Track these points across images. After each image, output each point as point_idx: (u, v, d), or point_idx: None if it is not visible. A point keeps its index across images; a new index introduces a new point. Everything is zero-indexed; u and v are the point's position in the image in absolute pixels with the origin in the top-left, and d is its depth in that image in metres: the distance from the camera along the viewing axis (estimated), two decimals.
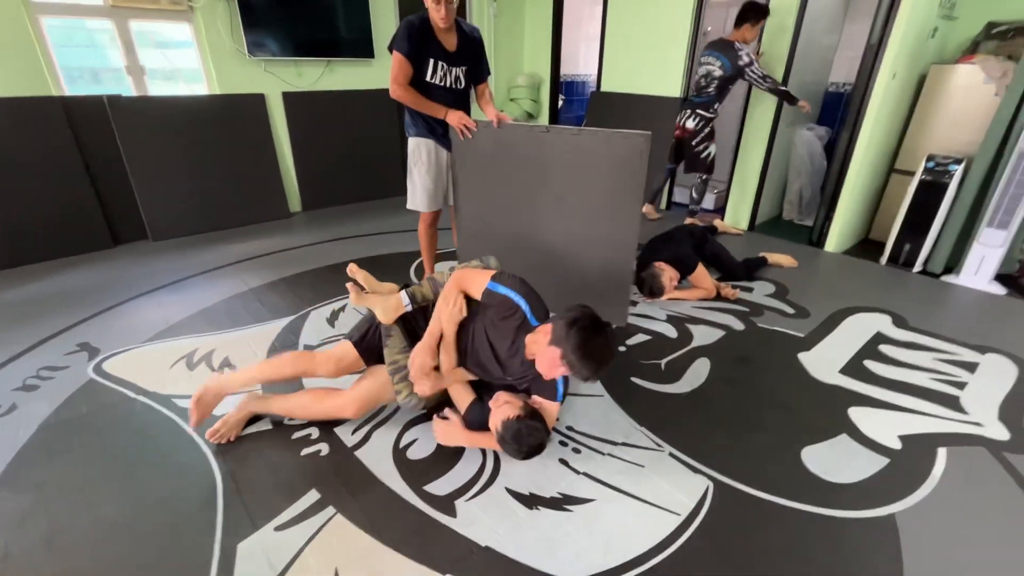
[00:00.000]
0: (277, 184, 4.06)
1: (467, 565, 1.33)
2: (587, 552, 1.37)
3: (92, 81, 3.42)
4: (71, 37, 3.30)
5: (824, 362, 2.25)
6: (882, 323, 2.59)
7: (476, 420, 1.65)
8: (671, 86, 4.13)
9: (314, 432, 1.78)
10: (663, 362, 2.24)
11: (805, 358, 2.28)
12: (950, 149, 3.29)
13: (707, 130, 3.64)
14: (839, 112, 4.53)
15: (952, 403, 2.00)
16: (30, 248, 3.16)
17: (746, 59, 3.32)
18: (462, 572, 1.31)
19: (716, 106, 3.62)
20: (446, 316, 1.57)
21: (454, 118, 2.31)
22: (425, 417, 1.84)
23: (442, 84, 2.35)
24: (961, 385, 2.11)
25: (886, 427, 1.85)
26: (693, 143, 3.68)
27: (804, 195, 4.22)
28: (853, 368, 2.21)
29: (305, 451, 1.70)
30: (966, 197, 3.09)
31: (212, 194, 3.76)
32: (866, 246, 3.74)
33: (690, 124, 3.66)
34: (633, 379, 2.12)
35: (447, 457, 1.69)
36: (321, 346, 2.32)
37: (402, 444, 1.74)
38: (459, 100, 2.43)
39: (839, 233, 3.54)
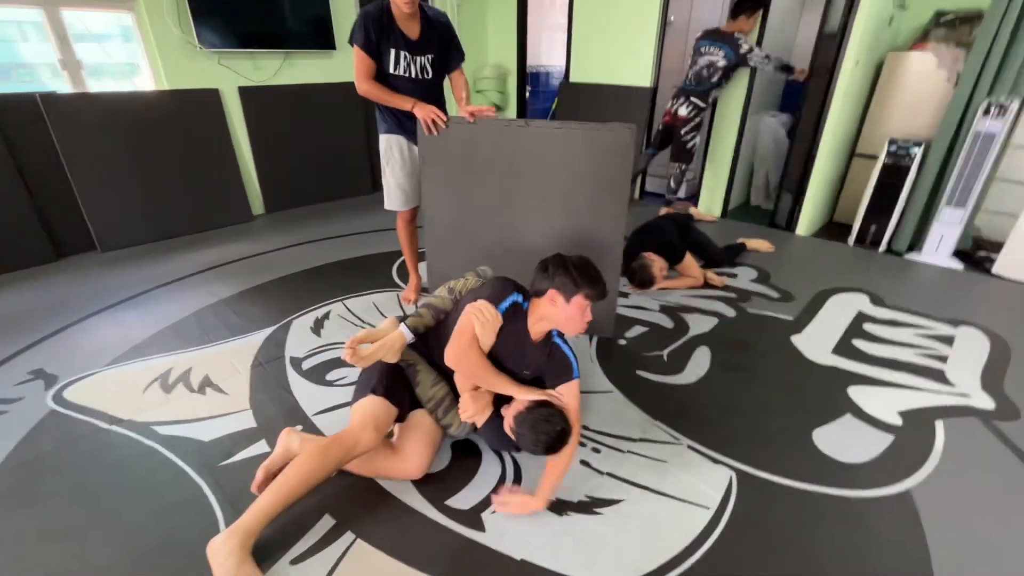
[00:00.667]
0: (237, 185, 3.81)
1: None
2: (627, 555, 1.33)
3: (19, 78, 3.08)
4: None
5: (816, 344, 2.31)
6: (862, 302, 2.70)
7: (493, 437, 1.58)
8: (641, 76, 4.14)
9: None
10: (665, 353, 2.24)
11: (798, 340, 2.34)
12: (908, 133, 3.46)
13: (697, 119, 3.67)
14: (798, 99, 4.67)
15: (939, 376, 2.09)
16: None
17: (746, 47, 3.37)
18: None
19: (711, 97, 3.64)
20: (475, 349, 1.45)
21: (421, 111, 2.13)
22: None
23: (407, 75, 2.21)
24: (943, 358, 2.22)
25: (885, 404, 1.92)
26: (683, 131, 3.69)
27: (771, 180, 4.35)
28: (844, 348, 2.28)
29: None
30: (926, 178, 3.26)
31: (166, 198, 3.48)
32: (833, 228, 3.89)
33: (683, 112, 3.66)
34: (639, 372, 2.10)
35: (464, 468, 1.61)
36: (308, 357, 2.18)
37: None
38: (428, 92, 2.27)
39: (809, 217, 3.67)
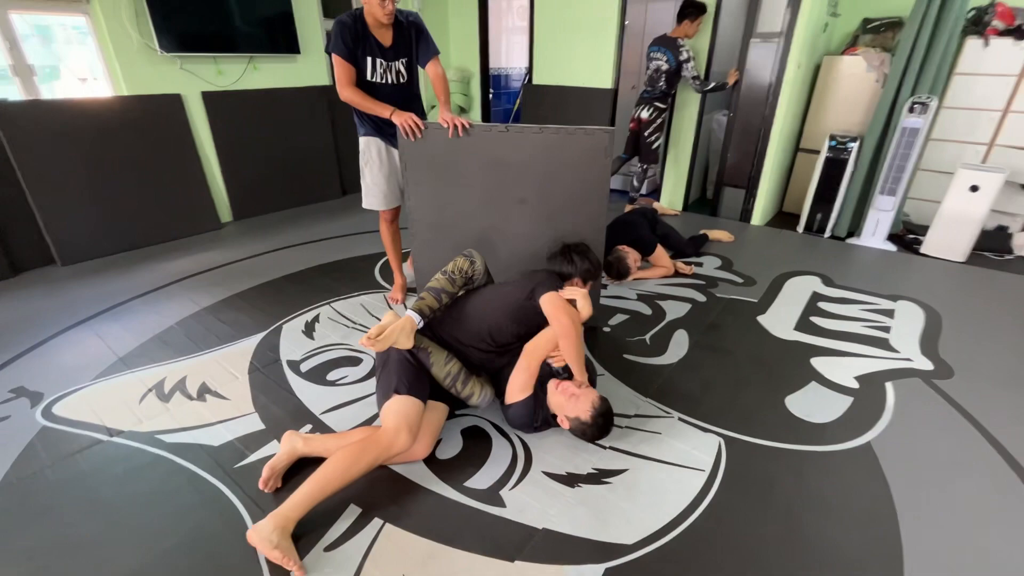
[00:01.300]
0: (203, 193, 3.71)
1: (532, 549, 1.37)
2: (637, 517, 1.47)
3: None
4: None
5: (780, 322, 2.55)
6: (815, 284, 2.97)
7: (521, 413, 1.69)
8: (602, 78, 4.33)
9: None
10: (647, 337, 2.41)
11: (764, 320, 2.57)
12: (845, 129, 3.81)
13: (659, 121, 3.88)
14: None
15: (884, 344, 2.36)
16: None
17: (685, 55, 3.58)
18: (530, 556, 1.35)
19: (669, 99, 3.85)
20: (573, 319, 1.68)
21: (399, 118, 2.17)
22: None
23: (383, 81, 2.29)
24: (886, 329, 2.49)
25: (843, 371, 2.16)
26: (646, 133, 3.90)
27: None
28: (804, 324, 2.53)
29: None
30: (861, 170, 3.60)
31: (129, 208, 3.36)
32: (782, 218, 4.22)
33: (644, 115, 3.87)
34: (626, 356, 2.26)
35: (476, 453, 1.71)
36: (305, 360, 2.21)
37: None
38: (406, 95, 2.35)
39: (762, 208, 3.97)
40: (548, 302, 1.67)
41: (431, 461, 1.66)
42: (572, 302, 1.76)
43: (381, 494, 1.54)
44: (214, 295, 2.78)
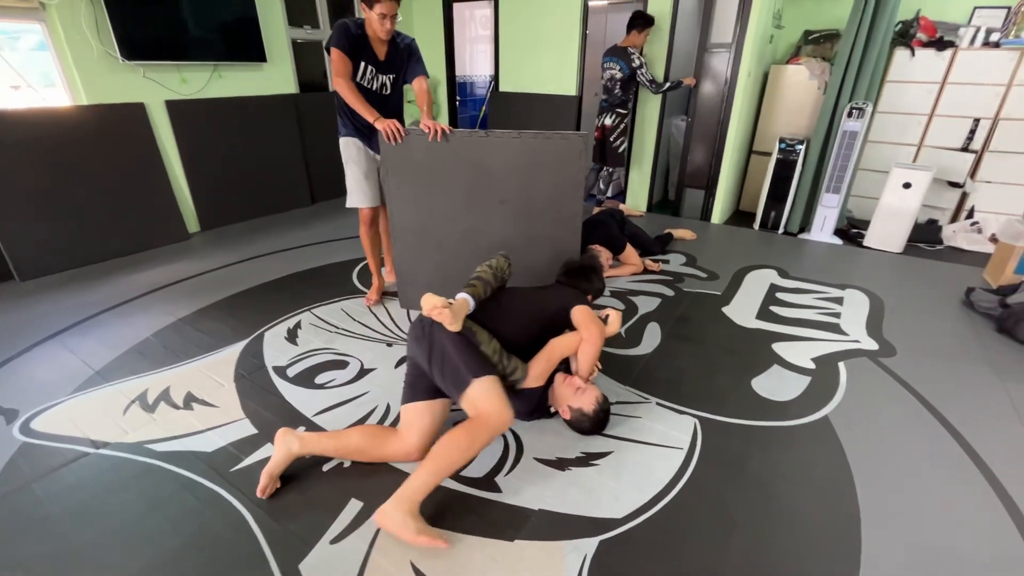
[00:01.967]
0: (170, 203, 3.64)
1: (530, 528, 1.46)
2: (624, 494, 1.58)
3: None
4: None
5: (743, 312, 2.73)
6: (772, 276, 3.19)
7: (533, 403, 1.80)
8: (566, 85, 4.50)
9: None
10: (622, 330, 2.54)
11: (728, 311, 2.75)
12: (793, 132, 4.09)
13: (622, 126, 4.05)
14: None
15: (836, 329, 2.57)
16: None
17: (637, 62, 3.77)
18: (528, 535, 1.44)
19: (629, 104, 4.03)
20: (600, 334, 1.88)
21: (382, 124, 2.26)
22: None
23: (369, 87, 2.42)
24: (837, 315, 2.72)
25: (800, 354, 2.35)
26: (611, 138, 4.06)
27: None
28: (764, 313, 2.72)
29: (327, 467, 1.67)
30: (809, 170, 3.88)
31: (92, 221, 3.26)
32: (740, 216, 4.48)
33: (608, 121, 4.03)
34: (604, 348, 2.37)
35: None
36: (291, 365, 2.22)
37: None
38: (386, 105, 2.45)
39: (721, 207, 4.21)
40: (581, 312, 1.88)
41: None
42: (604, 318, 1.99)
43: (381, 488, 1.58)
44: (189, 306, 2.74)
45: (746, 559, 1.38)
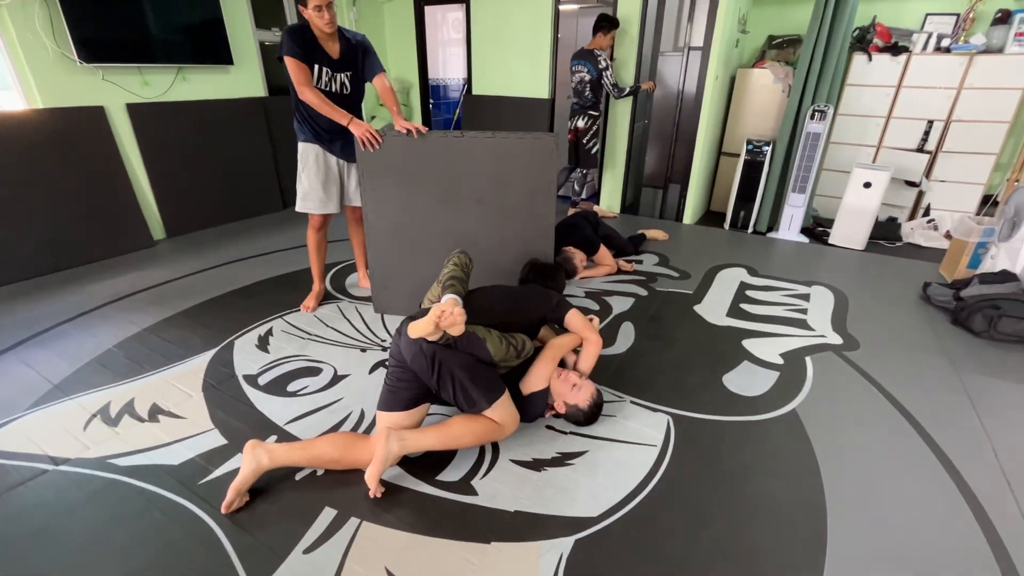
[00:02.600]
0: (133, 210, 3.52)
1: (506, 529, 1.46)
2: (600, 492, 1.59)
3: None
4: None
5: (713, 310, 2.79)
6: (742, 275, 3.27)
7: (538, 404, 1.83)
8: (539, 88, 4.53)
9: None
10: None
11: (700, 309, 2.80)
12: (760, 134, 4.21)
13: (595, 128, 4.09)
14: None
15: (803, 324, 2.65)
16: None
17: (603, 64, 3.82)
18: (504, 536, 1.44)
19: (601, 106, 4.08)
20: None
21: (358, 129, 2.25)
22: None
23: (327, 90, 2.37)
24: (804, 311, 2.80)
25: (769, 350, 2.41)
26: (584, 140, 4.10)
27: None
28: (735, 311, 2.78)
29: (299, 475, 1.65)
30: (775, 171, 3.99)
31: (49, 228, 3.13)
32: (710, 216, 4.57)
33: (581, 124, 4.07)
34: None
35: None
36: (263, 373, 2.18)
37: None
38: (348, 105, 2.41)
39: (692, 208, 4.29)
40: (577, 317, 1.98)
41: (403, 460, 1.71)
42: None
43: (355, 495, 1.57)
44: (155, 315, 2.66)
45: (719, 550, 1.41)
